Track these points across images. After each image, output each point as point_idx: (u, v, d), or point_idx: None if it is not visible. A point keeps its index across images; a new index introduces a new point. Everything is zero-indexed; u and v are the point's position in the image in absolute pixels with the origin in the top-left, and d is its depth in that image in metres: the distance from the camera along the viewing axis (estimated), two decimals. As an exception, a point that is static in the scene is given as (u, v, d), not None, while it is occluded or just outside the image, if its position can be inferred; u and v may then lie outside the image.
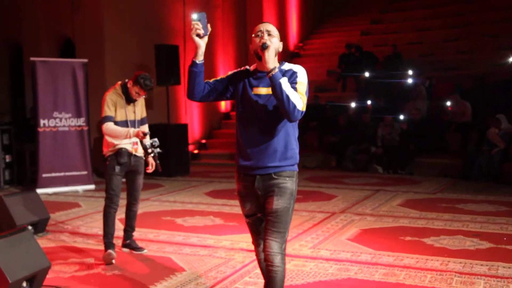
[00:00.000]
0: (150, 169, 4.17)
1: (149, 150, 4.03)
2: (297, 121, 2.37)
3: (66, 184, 7.08)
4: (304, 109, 2.21)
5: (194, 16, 2.22)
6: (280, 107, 2.18)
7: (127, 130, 3.95)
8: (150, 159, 4.16)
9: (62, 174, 7.00)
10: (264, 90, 2.28)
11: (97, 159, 6.80)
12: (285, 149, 2.30)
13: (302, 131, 8.04)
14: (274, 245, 2.24)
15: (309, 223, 5.14)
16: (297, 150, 2.42)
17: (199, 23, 2.17)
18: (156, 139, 4.09)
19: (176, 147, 8.07)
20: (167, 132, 7.88)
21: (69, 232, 5.07)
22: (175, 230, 5.00)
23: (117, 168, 3.89)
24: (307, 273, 3.72)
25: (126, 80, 4.08)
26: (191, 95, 2.40)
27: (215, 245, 4.49)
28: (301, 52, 13.63)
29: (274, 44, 2.21)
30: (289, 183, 2.30)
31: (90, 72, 7.49)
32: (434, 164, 7.63)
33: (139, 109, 4.22)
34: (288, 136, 2.33)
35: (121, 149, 3.97)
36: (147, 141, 4.02)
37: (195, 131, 9.92)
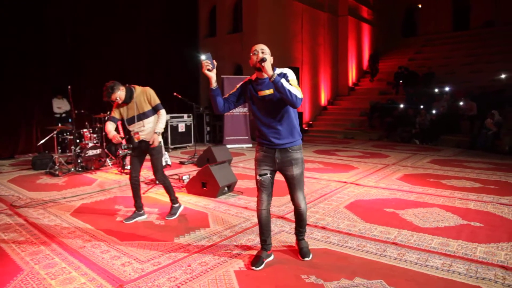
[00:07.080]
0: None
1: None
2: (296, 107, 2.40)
3: (237, 143, 9.73)
4: (302, 96, 2.32)
5: (203, 57, 2.31)
6: (285, 100, 2.30)
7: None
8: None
9: (235, 137, 9.74)
10: (267, 92, 2.42)
11: (252, 130, 9.32)
12: (293, 129, 2.51)
13: (370, 118, 12.02)
14: (300, 196, 2.64)
15: (373, 170, 6.29)
16: (299, 128, 2.57)
17: (208, 61, 2.31)
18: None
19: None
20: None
21: (241, 167, 6.76)
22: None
23: None
24: (371, 194, 4.62)
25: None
26: (216, 110, 2.55)
27: (319, 177, 5.71)
28: (369, 70, 16.32)
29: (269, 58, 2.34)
30: (299, 154, 2.54)
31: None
32: (452, 140, 9.50)
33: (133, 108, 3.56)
34: (291, 119, 2.52)
35: None
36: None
37: (306, 116, 13.12)
